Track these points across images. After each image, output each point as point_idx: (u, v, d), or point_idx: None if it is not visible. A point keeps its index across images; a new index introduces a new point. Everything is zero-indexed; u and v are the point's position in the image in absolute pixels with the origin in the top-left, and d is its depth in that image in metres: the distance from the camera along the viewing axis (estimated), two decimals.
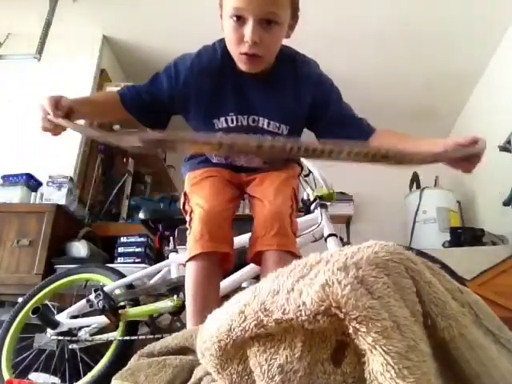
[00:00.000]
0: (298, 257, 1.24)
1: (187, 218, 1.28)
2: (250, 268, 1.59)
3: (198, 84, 1.21)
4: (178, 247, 1.85)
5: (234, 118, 1.23)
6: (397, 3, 2.94)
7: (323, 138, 1.26)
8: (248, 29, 1.07)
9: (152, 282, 1.79)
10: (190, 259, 1.18)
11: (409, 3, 2.93)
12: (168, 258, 1.83)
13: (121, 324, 1.63)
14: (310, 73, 1.24)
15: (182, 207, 1.34)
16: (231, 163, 1.36)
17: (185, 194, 1.34)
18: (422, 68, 3.44)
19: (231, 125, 1.23)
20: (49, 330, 1.71)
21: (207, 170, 1.35)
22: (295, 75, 1.23)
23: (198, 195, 1.27)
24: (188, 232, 1.24)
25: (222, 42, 1.21)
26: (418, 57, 3.34)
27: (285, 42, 1.22)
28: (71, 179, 2.73)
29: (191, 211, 1.26)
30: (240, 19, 1.08)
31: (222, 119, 1.23)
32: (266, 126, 1.23)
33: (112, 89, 2.84)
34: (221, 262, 1.21)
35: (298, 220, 1.65)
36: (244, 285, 1.66)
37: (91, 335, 1.70)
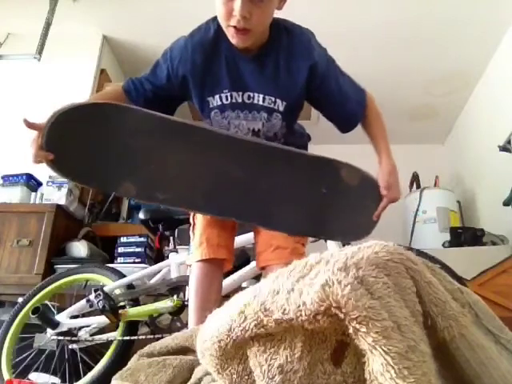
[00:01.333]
0: None
1: (191, 221, 1.33)
2: (250, 268, 1.60)
3: (192, 62, 1.20)
4: (178, 247, 1.85)
5: (229, 94, 1.22)
6: (397, 3, 2.94)
7: (323, 114, 1.31)
8: (237, 3, 1.06)
9: (152, 281, 1.79)
10: (194, 263, 1.26)
11: (409, 3, 2.93)
12: (168, 257, 1.83)
13: (121, 324, 1.63)
14: (304, 44, 1.22)
15: None
16: None
17: None
18: (421, 68, 3.44)
19: (226, 102, 1.22)
20: (49, 330, 1.71)
21: None
22: (290, 47, 1.21)
23: None
24: (192, 238, 1.30)
25: (216, 19, 1.20)
26: (418, 57, 3.34)
27: None
28: None
29: (194, 215, 1.32)
30: None
31: (217, 97, 1.22)
32: (261, 102, 1.22)
33: None
34: (220, 265, 1.28)
35: None
36: (244, 285, 1.66)
37: (91, 335, 1.70)
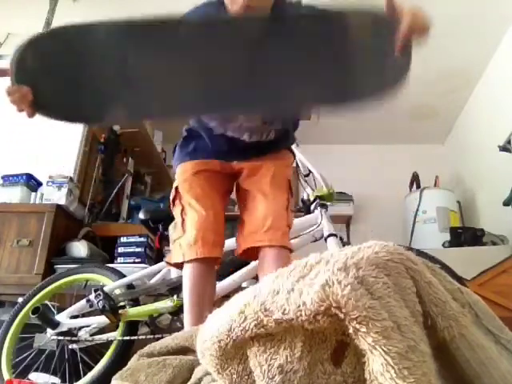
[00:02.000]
0: (290, 250, 1.27)
1: (178, 217, 1.29)
2: (250, 268, 1.59)
3: None
4: None
5: None
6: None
7: None
8: None
9: (152, 282, 1.79)
10: (187, 262, 1.23)
11: (408, 1, 2.92)
12: None
13: (121, 324, 1.63)
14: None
15: (171, 201, 1.34)
16: (226, 131, 1.30)
17: (176, 189, 1.34)
18: (421, 67, 3.43)
19: None
20: (49, 330, 1.71)
21: (197, 163, 1.34)
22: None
23: (189, 195, 1.28)
24: (180, 234, 1.25)
25: None
26: (418, 55, 3.33)
27: None
28: (71, 179, 2.73)
29: (182, 209, 1.28)
30: None
31: None
32: None
33: None
34: (213, 264, 1.26)
35: (298, 220, 1.66)
36: (244, 285, 1.66)
37: (91, 335, 1.69)
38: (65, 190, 2.64)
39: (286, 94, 1.08)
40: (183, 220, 1.27)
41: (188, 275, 1.23)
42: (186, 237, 1.24)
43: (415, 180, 3.65)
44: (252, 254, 1.26)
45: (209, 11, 1.19)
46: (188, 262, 1.22)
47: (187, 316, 1.21)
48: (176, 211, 1.31)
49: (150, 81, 1.08)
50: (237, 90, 1.08)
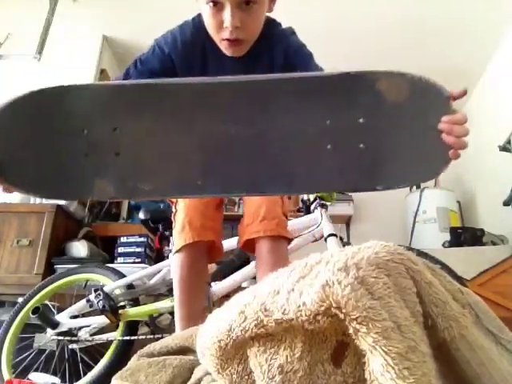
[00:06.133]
0: (289, 239, 1.26)
1: (173, 209, 1.28)
2: (250, 268, 1.59)
3: (177, 61, 1.14)
4: None
5: None
6: (398, 2, 2.94)
7: None
8: (227, 14, 1.00)
9: (152, 282, 1.79)
10: (176, 252, 1.19)
11: (409, 2, 2.93)
12: (168, 257, 1.83)
13: (121, 324, 1.63)
14: (282, 43, 1.16)
15: None
16: None
17: None
18: (421, 67, 3.44)
19: None
20: (49, 330, 1.71)
21: None
22: (271, 48, 1.15)
23: None
24: (173, 225, 1.24)
25: (195, 19, 1.15)
26: (417, 56, 3.33)
27: None
28: None
29: (176, 201, 1.26)
30: (217, 4, 1.01)
31: None
32: None
33: None
34: (207, 250, 1.22)
35: (298, 220, 1.66)
36: (244, 285, 1.66)
37: (91, 335, 1.70)
38: None
39: (286, 170, 0.90)
40: (176, 211, 1.25)
41: (177, 265, 1.18)
42: (176, 225, 1.21)
43: None
44: (252, 246, 1.24)
45: (193, 47, 1.13)
46: (178, 251, 1.18)
47: (176, 316, 1.17)
48: (172, 205, 1.30)
49: (140, 153, 0.91)
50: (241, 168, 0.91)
